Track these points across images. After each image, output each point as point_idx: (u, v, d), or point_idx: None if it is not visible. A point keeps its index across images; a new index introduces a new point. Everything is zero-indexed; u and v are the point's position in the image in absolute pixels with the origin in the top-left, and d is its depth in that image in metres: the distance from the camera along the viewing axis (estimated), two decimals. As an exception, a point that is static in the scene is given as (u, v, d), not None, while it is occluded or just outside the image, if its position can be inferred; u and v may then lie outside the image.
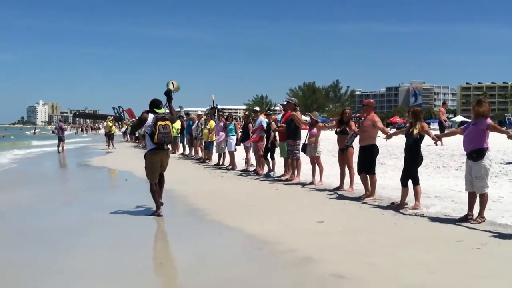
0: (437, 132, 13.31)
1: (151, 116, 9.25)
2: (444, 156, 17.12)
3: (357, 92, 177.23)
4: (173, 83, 9.97)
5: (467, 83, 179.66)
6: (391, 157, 18.20)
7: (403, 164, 9.34)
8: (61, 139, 29.02)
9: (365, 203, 9.72)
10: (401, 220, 8.15)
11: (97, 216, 9.27)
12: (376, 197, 10.12)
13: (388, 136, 9.97)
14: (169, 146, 10.22)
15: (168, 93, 9.76)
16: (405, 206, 9.00)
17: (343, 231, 7.56)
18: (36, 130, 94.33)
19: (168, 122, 9.36)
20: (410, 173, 9.01)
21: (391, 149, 20.79)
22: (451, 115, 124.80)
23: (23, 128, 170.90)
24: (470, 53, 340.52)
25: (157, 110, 9.36)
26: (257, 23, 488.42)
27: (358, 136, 10.92)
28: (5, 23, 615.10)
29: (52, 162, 23.85)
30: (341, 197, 10.56)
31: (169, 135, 9.32)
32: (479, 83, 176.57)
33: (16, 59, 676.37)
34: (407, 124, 9.53)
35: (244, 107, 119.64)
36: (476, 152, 7.69)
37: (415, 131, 8.80)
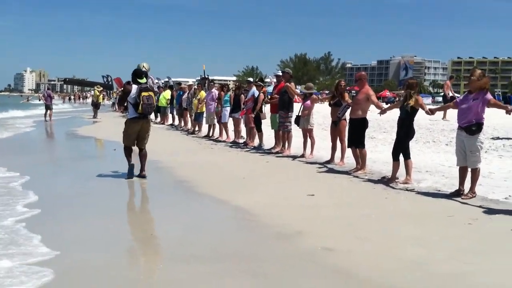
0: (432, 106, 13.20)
1: (134, 87, 9.56)
2: (434, 131, 17.12)
3: (348, 65, 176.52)
4: (144, 66, 10.14)
5: (458, 58, 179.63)
6: (381, 131, 18.18)
7: (395, 138, 9.26)
8: (48, 107, 28.62)
9: (356, 177, 9.68)
10: (392, 194, 8.12)
11: (84, 187, 9.18)
12: (367, 171, 10.07)
13: (382, 111, 9.84)
14: (152, 116, 10.37)
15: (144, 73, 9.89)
16: (396, 180, 8.97)
17: (334, 204, 7.53)
18: (29, 98, 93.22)
19: (151, 93, 9.72)
20: (401, 146, 8.95)
21: (381, 123, 20.76)
22: (440, 90, 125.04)
23: (10, 96, 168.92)
24: (462, 27, 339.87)
25: (140, 81, 9.65)
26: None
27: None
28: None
29: (39, 131, 23.55)
30: (332, 170, 10.52)
31: (152, 106, 9.69)
32: (470, 57, 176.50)
33: (2, 25, 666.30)
34: (397, 99, 9.46)
35: (234, 78, 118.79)
36: (476, 125, 7.61)
37: (411, 102, 8.68)
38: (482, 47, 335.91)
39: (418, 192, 8.19)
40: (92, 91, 41.44)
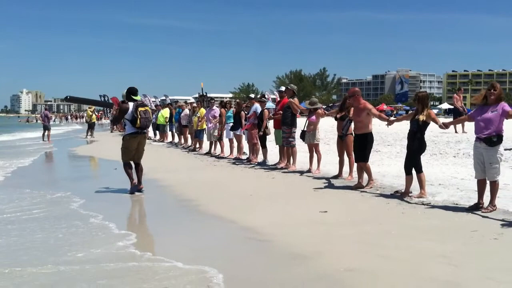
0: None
1: (130, 104, 10.05)
2: (439, 143, 16.87)
3: (344, 80, 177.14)
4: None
5: (453, 71, 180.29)
6: (386, 145, 17.94)
7: (406, 151, 8.95)
8: (46, 128, 28.54)
9: (367, 192, 9.35)
10: (408, 209, 7.80)
11: (85, 208, 8.79)
12: (373, 185, 9.76)
13: (390, 122, 9.56)
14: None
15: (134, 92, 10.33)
16: (410, 194, 8.67)
17: (349, 221, 7.19)
18: (29, 119, 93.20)
19: (148, 108, 10.33)
20: (413, 160, 8.65)
21: (384, 136, 20.58)
22: (437, 103, 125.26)
23: (10, 117, 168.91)
24: (456, 41, 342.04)
25: (134, 98, 10.22)
26: (244, 11, 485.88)
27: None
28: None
29: (37, 150, 23.17)
30: (341, 185, 10.20)
31: (149, 120, 10.25)
32: (465, 70, 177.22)
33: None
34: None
35: (231, 95, 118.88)
36: (496, 137, 7.34)
37: (421, 117, 8.43)
38: (477, 60, 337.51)
39: (435, 206, 7.87)
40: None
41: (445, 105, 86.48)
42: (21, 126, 61.86)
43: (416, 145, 8.59)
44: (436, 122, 8.54)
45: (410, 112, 10.57)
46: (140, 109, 9.97)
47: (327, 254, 5.60)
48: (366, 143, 9.81)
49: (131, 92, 10.28)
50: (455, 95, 23.59)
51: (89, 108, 35.39)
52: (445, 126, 8.60)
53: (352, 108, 11.11)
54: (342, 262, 5.28)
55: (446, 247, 5.71)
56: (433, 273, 4.88)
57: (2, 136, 34.76)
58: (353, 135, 10.87)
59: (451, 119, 16.86)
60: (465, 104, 29.32)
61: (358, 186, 9.74)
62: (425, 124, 8.56)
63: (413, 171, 8.70)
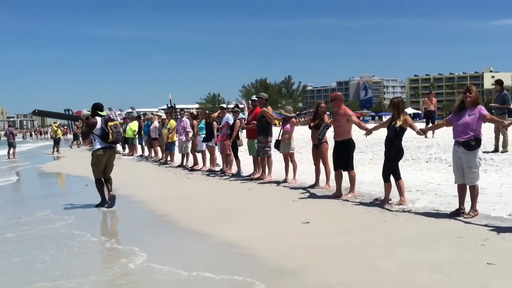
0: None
1: (98, 119, 10.08)
2: (410, 148, 16.91)
3: (309, 87, 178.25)
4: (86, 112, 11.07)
5: (415, 75, 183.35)
6: (357, 152, 17.85)
7: (384, 158, 8.90)
8: (11, 145, 27.81)
9: (347, 200, 9.27)
10: (390, 217, 7.74)
11: (62, 226, 8.48)
12: (356, 193, 9.69)
13: (368, 132, 9.46)
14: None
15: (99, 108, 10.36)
16: (390, 202, 8.62)
17: (332, 232, 7.06)
18: None
19: (117, 122, 10.59)
20: (391, 167, 8.61)
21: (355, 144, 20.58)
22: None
23: None
24: (416, 45, 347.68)
25: (100, 113, 10.26)
26: (205, 20, 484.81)
27: (330, 130, 10.52)
28: None
29: (3, 168, 22.53)
30: (320, 195, 10.10)
31: (120, 133, 10.42)
32: (426, 74, 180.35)
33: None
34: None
35: (197, 106, 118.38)
36: (474, 140, 7.33)
37: (398, 123, 8.41)
38: (437, 64, 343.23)
39: (417, 213, 7.83)
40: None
41: (409, 110, 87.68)
42: None
43: (393, 152, 8.57)
44: (413, 129, 8.50)
45: (387, 118, 10.51)
46: (110, 123, 10.06)
47: (315, 267, 5.48)
48: (349, 149, 9.70)
49: (97, 108, 10.29)
50: (426, 98, 23.00)
51: (54, 123, 34.78)
52: (423, 132, 8.56)
53: (325, 116, 11.09)
54: (332, 274, 5.16)
55: (434, 255, 5.64)
56: (426, 283, 4.79)
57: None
58: (327, 143, 10.87)
59: (422, 125, 17.01)
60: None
61: (337, 195, 9.65)
62: (402, 130, 8.54)
63: (391, 178, 8.66)
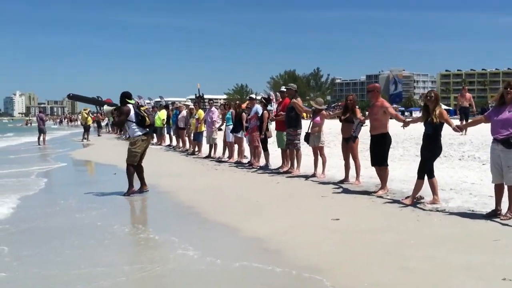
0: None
1: (130, 106, 10.14)
2: (442, 145, 16.56)
3: (338, 80, 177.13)
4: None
5: (446, 70, 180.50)
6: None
7: (420, 155, 8.62)
8: (42, 131, 28.08)
9: (381, 196, 9.06)
10: (423, 216, 7.52)
11: (91, 216, 8.47)
12: (388, 190, 9.46)
13: (405, 124, 9.18)
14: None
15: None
16: (422, 200, 8.36)
17: (364, 229, 6.87)
18: (29, 121, 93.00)
19: (146, 107, 11.24)
20: (428, 164, 8.33)
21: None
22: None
23: (5, 120, 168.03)
24: (449, 40, 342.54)
25: (129, 101, 10.27)
26: (238, 11, 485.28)
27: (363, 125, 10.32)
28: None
29: (34, 155, 22.82)
30: (349, 190, 9.92)
31: (154, 117, 11.05)
32: (458, 70, 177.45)
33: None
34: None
35: (225, 96, 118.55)
36: None
37: (435, 119, 8.09)
38: (470, 59, 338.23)
39: (451, 213, 7.59)
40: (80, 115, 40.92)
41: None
42: (21, 130, 61.55)
43: (430, 149, 8.27)
44: (449, 124, 8.16)
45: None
46: (142, 109, 10.38)
47: (346, 266, 5.32)
48: (385, 144, 9.44)
49: (126, 96, 10.33)
50: (459, 95, 22.34)
51: (84, 110, 34.85)
52: (459, 129, 8.23)
53: (358, 110, 10.86)
54: (364, 275, 5.00)
55: (470, 257, 5.43)
56: (463, 287, 4.60)
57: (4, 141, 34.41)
58: (358, 138, 10.65)
59: (455, 121, 16.60)
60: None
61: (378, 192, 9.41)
62: (440, 125, 8.18)
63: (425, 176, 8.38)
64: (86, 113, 33.13)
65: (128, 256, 6.27)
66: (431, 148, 8.25)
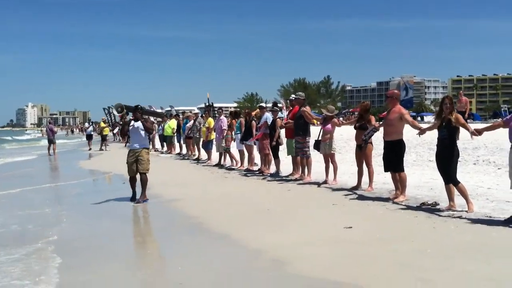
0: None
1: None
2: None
3: (348, 88, 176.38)
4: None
5: (457, 76, 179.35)
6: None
7: (435, 160, 8.34)
8: (51, 141, 28.08)
9: (396, 203, 8.80)
10: (439, 223, 7.25)
11: (102, 227, 8.30)
12: (407, 197, 9.17)
13: (422, 131, 8.84)
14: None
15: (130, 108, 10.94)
16: (437, 206, 8.11)
17: (378, 238, 6.61)
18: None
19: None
20: (448, 169, 8.00)
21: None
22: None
23: (16, 131, 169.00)
24: (460, 46, 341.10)
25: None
26: (248, 20, 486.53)
27: (376, 131, 10.08)
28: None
29: (44, 165, 22.74)
30: (362, 197, 9.68)
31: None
32: (469, 75, 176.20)
33: (4, 61, 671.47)
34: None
35: (235, 104, 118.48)
36: None
37: (453, 120, 7.78)
38: (481, 64, 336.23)
39: (468, 219, 7.33)
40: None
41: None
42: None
43: (447, 154, 7.97)
44: (466, 129, 7.86)
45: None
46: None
47: (362, 278, 5.07)
48: (400, 150, 9.24)
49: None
50: (460, 98, 22.09)
51: (103, 119, 35.01)
52: (478, 133, 7.88)
53: (372, 117, 10.62)
54: None
55: (491, 268, 5.18)
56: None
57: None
58: (372, 144, 10.43)
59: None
60: (470, 109, 27.73)
61: (397, 196, 9.18)
62: (455, 129, 7.89)
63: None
64: (103, 123, 33.15)
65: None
66: (448, 153, 7.94)
